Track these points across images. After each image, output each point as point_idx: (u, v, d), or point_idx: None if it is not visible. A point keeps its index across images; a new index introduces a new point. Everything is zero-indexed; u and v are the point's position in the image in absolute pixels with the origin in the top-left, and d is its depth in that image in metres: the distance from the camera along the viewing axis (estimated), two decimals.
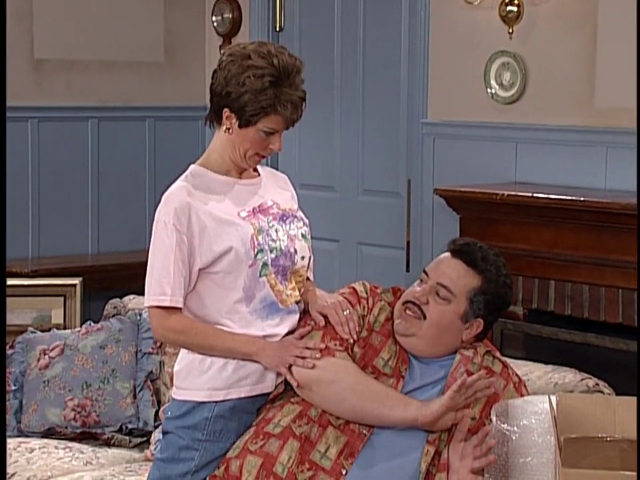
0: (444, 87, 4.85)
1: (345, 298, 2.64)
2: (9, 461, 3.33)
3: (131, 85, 5.49)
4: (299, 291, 2.63)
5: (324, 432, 2.50)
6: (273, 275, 2.56)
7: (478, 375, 2.47)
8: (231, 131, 2.54)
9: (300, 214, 2.68)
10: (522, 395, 2.57)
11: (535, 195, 4.19)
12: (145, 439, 3.61)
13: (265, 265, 2.55)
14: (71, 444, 3.54)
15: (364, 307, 2.63)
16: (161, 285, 2.51)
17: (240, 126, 2.52)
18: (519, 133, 4.62)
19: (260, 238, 2.54)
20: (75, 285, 4.70)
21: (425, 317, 2.58)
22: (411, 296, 2.61)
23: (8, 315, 4.52)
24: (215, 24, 5.69)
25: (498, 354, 2.67)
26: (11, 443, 3.46)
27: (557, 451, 2.15)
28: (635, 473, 2.01)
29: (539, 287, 4.22)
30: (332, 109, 5.36)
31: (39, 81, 5.23)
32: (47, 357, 3.74)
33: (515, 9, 4.53)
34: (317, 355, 2.54)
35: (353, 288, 2.69)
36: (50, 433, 3.62)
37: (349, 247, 5.36)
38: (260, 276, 2.55)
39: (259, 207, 2.59)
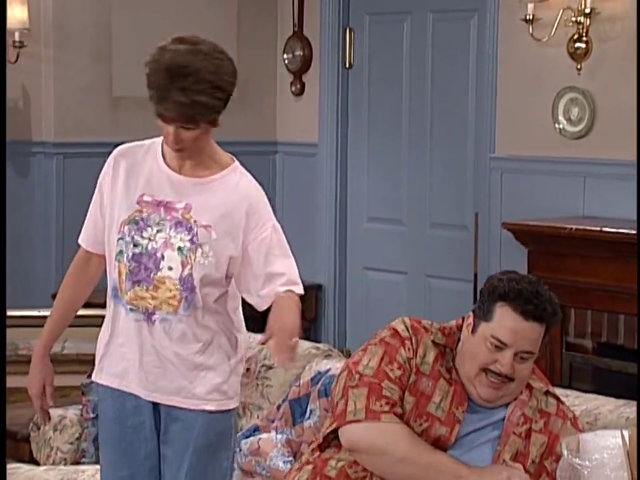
0: (511, 122, 4.88)
1: (387, 342, 2.62)
2: None
3: None
4: (171, 306, 2.52)
5: None
6: (126, 264, 2.53)
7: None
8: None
9: (205, 232, 2.50)
10: (580, 431, 2.57)
11: (603, 229, 4.20)
12: None
13: (121, 252, 2.54)
14: None
15: (409, 349, 2.60)
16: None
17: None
18: (587, 167, 4.63)
19: (126, 227, 2.53)
20: None
21: (511, 379, 2.56)
22: (493, 367, 2.55)
23: (87, 345, 4.62)
24: (286, 61, 5.78)
25: (551, 388, 2.67)
26: (89, 469, 3.52)
27: None
28: None
29: (608, 321, 4.21)
30: (400, 143, 5.40)
31: (116, 117, 5.35)
32: None
33: (583, 45, 4.55)
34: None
35: (394, 329, 2.65)
36: None
37: (416, 280, 5.39)
38: (115, 259, 2.56)
39: (167, 202, 2.52)
